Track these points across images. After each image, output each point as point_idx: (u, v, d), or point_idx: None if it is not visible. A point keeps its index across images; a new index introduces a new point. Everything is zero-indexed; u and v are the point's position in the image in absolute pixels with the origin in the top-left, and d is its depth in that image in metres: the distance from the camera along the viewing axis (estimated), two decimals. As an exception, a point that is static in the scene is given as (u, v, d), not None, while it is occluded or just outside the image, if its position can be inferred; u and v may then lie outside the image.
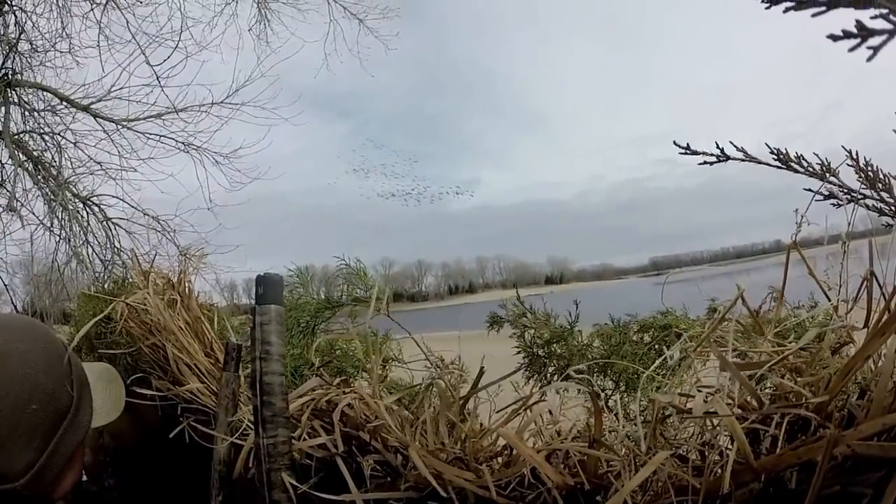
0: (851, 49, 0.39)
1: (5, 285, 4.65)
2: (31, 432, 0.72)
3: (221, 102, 5.18)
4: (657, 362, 0.65)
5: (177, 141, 5.07)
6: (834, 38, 0.40)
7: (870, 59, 0.40)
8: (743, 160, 0.84)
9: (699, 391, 0.61)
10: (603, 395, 1.36)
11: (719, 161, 0.81)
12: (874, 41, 0.40)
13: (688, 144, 0.80)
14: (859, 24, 0.39)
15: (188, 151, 5.15)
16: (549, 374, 1.92)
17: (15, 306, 4.61)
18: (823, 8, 0.42)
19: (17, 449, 0.70)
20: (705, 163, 0.82)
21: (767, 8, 0.47)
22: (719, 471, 0.55)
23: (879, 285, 0.68)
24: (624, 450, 0.59)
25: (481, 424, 0.70)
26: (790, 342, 0.69)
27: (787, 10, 0.44)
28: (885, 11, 0.40)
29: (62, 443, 0.77)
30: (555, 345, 1.93)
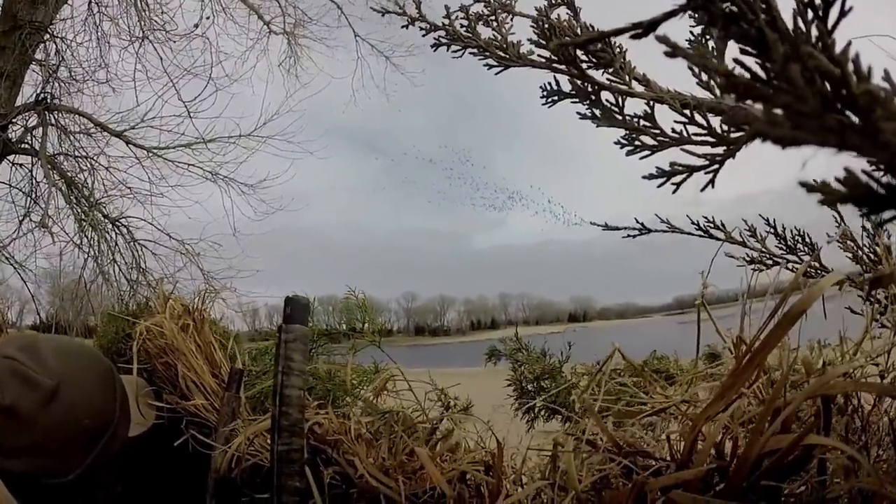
0: (659, 186, 0.54)
1: (32, 295, 4.94)
2: (82, 441, 0.96)
3: (249, 134, 5.51)
4: (545, 396, 0.78)
5: (204, 170, 5.39)
6: (650, 177, 0.55)
7: (674, 191, 0.55)
8: (665, 231, 0.97)
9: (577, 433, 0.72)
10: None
11: (641, 234, 0.94)
12: (676, 179, 0.54)
13: (605, 223, 0.94)
14: (659, 168, 0.54)
15: (215, 181, 5.47)
16: (535, 408, 2.05)
17: (39, 315, 4.89)
18: (649, 152, 0.57)
19: (70, 453, 0.95)
20: (628, 236, 0.95)
21: (631, 152, 0.62)
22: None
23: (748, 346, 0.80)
24: (522, 478, 0.72)
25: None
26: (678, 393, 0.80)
27: (630, 153, 0.59)
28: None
29: (104, 449, 1.00)
30: (544, 381, 2.08)
